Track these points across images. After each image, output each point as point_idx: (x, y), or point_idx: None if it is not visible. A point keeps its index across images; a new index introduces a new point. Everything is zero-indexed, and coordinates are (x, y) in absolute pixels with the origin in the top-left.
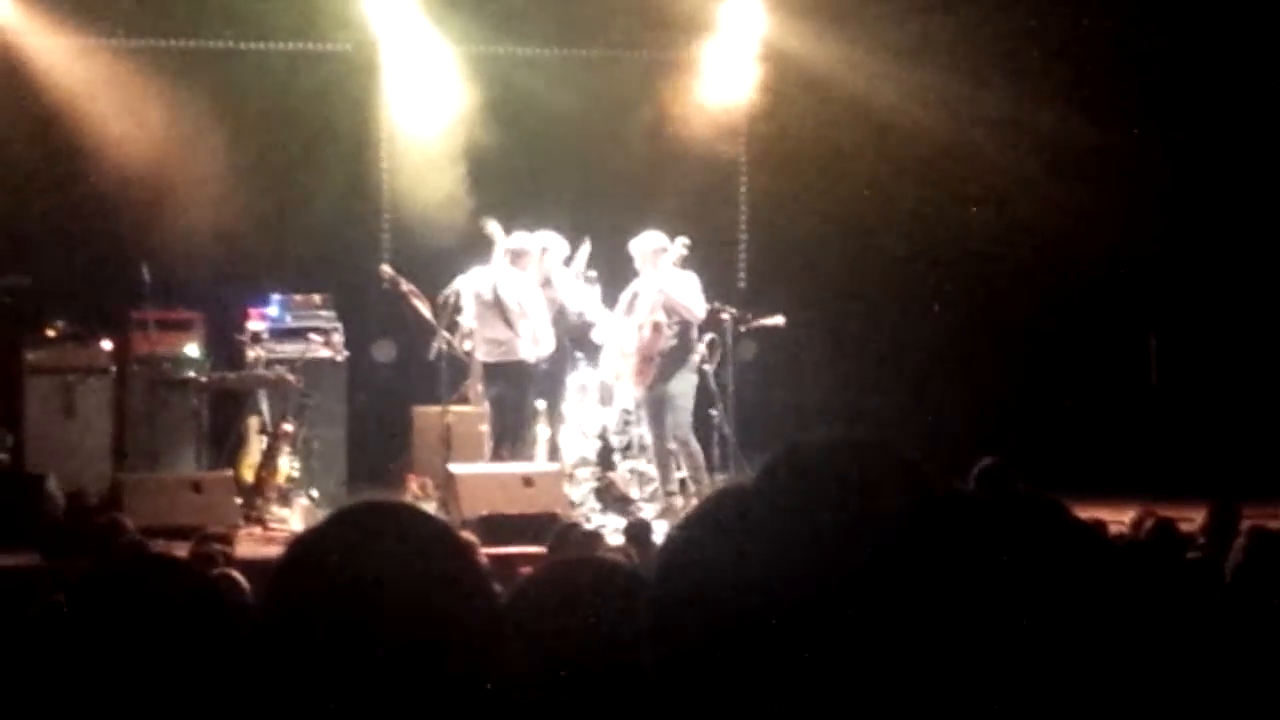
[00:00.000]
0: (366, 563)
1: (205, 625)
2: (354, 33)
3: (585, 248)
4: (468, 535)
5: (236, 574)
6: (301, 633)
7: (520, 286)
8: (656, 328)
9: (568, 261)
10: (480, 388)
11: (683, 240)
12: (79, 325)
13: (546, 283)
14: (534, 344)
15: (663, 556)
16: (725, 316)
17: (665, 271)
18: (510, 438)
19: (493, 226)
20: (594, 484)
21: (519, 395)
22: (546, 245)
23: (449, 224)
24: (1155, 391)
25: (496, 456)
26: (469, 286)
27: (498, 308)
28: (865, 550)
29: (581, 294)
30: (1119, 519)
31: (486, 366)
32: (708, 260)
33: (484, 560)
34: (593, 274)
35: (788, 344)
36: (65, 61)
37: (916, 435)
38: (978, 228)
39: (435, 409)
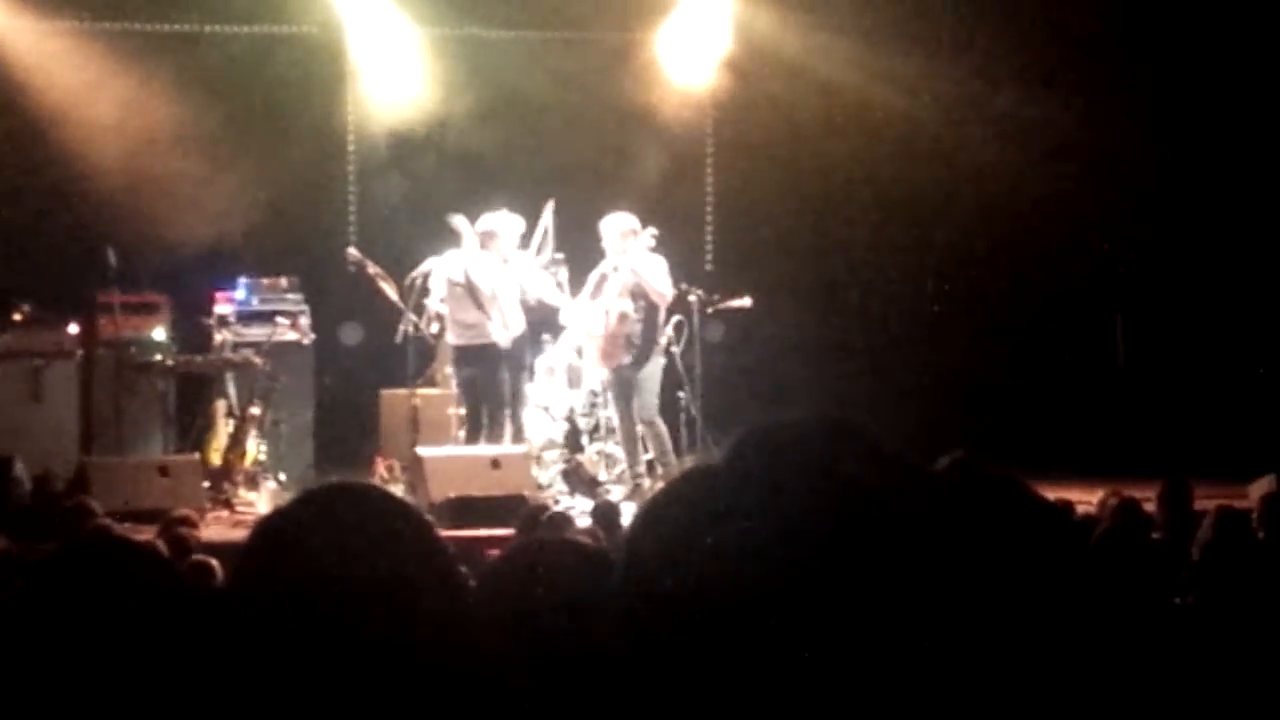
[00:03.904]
0: (333, 545)
1: (166, 608)
2: (319, 15)
3: (549, 207)
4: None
5: (211, 560)
6: (267, 615)
7: (492, 270)
8: (623, 315)
9: (532, 231)
10: (448, 370)
11: (651, 231)
12: (45, 309)
13: (503, 264)
14: (504, 327)
15: (630, 537)
16: (692, 298)
17: (635, 254)
18: (487, 421)
19: (458, 221)
20: (562, 466)
21: (491, 377)
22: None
23: (415, 206)
24: (1122, 372)
25: (470, 440)
26: (441, 270)
27: (469, 291)
28: (832, 530)
29: (538, 277)
30: (1087, 499)
31: (457, 349)
32: (674, 242)
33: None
34: (560, 255)
35: (755, 325)
36: (30, 44)
37: (883, 415)
38: (945, 210)
39: (402, 391)
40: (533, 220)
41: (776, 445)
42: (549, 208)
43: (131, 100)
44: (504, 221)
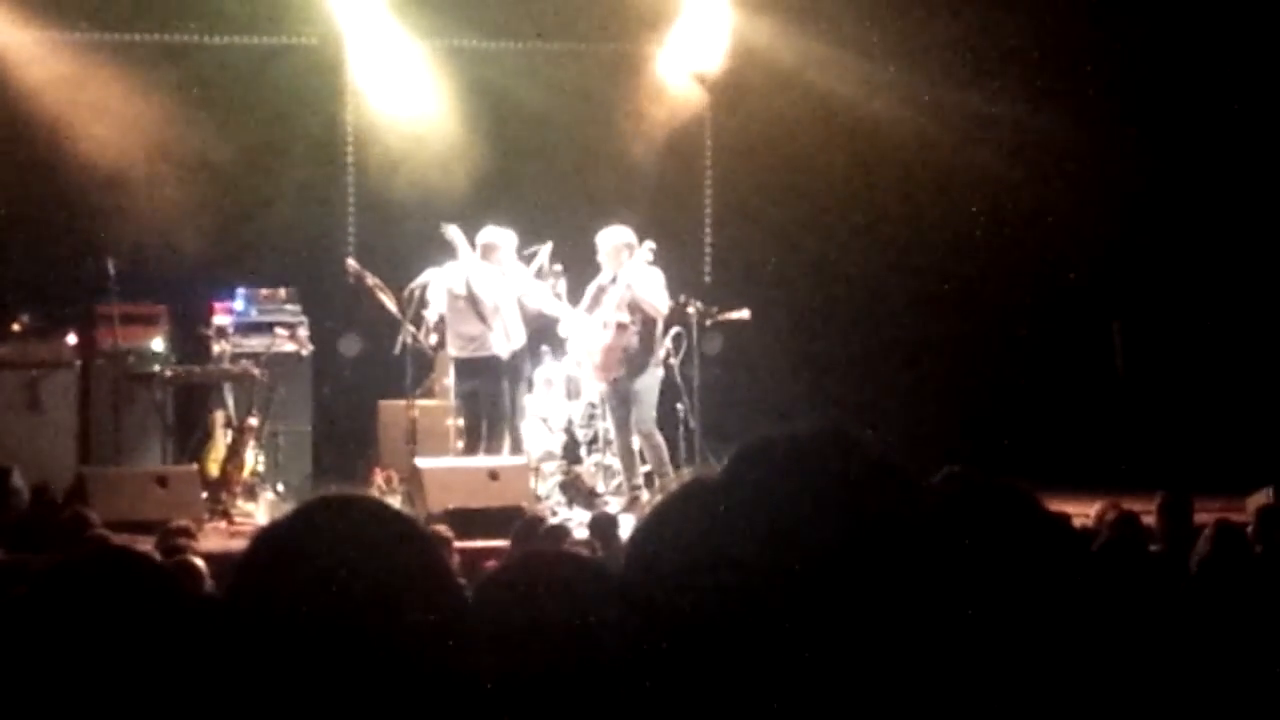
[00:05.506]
0: (330, 556)
1: (167, 619)
2: (320, 27)
3: (546, 248)
4: (442, 530)
5: (198, 560)
6: (265, 626)
7: (494, 282)
8: (620, 327)
9: (527, 261)
10: (447, 381)
11: (649, 244)
12: (43, 319)
13: (503, 276)
14: (506, 339)
15: (630, 548)
16: (691, 310)
17: (632, 267)
18: (487, 433)
19: (452, 231)
20: (560, 477)
21: (493, 390)
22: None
23: (414, 218)
24: (1121, 382)
25: (469, 452)
26: (440, 281)
27: (471, 303)
28: (831, 541)
29: (537, 289)
30: (1084, 511)
31: (458, 362)
32: (673, 254)
33: (454, 555)
34: (558, 268)
35: (753, 338)
36: (30, 55)
37: (882, 428)
38: (942, 220)
39: (401, 403)
40: (527, 242)
41: (775, 458)
42: (546, 249)
43: (131, 111)
44: (504, 234)
